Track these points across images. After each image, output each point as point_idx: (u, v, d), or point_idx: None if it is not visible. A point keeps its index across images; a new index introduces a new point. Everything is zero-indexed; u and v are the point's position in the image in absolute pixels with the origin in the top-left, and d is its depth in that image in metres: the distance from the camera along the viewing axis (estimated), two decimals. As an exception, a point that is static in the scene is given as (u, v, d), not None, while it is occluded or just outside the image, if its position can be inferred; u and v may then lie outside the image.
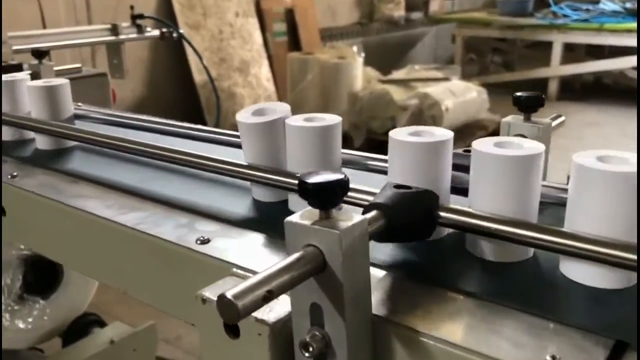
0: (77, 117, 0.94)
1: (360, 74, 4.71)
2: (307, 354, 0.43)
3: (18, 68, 1.28)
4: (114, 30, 1.85)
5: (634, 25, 5.56)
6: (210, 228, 0.61)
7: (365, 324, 0.44)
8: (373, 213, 0.46)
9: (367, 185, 0.58)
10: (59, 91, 0.87)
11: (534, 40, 6.57)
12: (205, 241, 0.56)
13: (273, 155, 0.66)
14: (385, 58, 6.52)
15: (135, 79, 4.54)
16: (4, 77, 0.89)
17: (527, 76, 6.28)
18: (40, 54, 1.14)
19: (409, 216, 0.47)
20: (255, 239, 0.59)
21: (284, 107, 0.69)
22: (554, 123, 0.65)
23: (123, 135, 0.78)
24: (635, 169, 0.45)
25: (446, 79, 4.73)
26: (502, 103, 5.28)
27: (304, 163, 0.62)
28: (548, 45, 6.08)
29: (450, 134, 0.55)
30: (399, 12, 6.85)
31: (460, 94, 4.50)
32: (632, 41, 5.56)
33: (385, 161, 0.61)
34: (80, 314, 1.71)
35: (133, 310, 2.00)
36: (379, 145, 4.53)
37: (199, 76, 4.92)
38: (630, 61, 5.79)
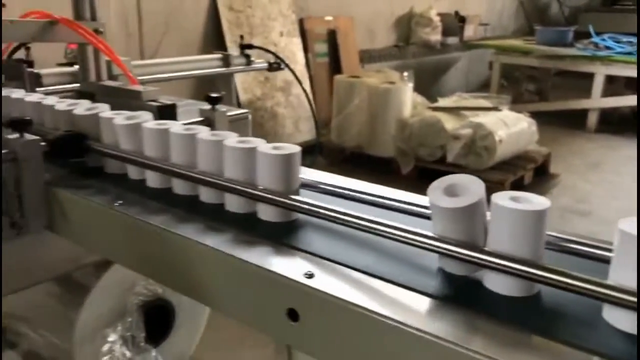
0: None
1: (409, 100, 4.64)
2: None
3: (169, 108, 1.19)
4: (226, 60, 1.77)
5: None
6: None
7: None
8: None
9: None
10: (292, 160, 0.75)
11: (566, 70, 6.50)
12: None
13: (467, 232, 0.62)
14: (420, 81, 6.47)
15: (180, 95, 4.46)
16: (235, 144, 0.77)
17: (566, 106, 6.21)
18: (214, 99, 1.05)
19: None
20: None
21: (476, 183, 0.63)
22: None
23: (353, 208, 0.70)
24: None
25: (496, 109, 4.65)
26: (543, 134, 5.22)
27: (511, 245, 0.59)
28: (582, 74, 6.02)
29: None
30: (436, 37, 6.81)
31: (512, 125, 4.42)
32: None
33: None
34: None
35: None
36: (428, 173, 4.44)
37: (244, 95, 4.85)
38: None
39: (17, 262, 1.02)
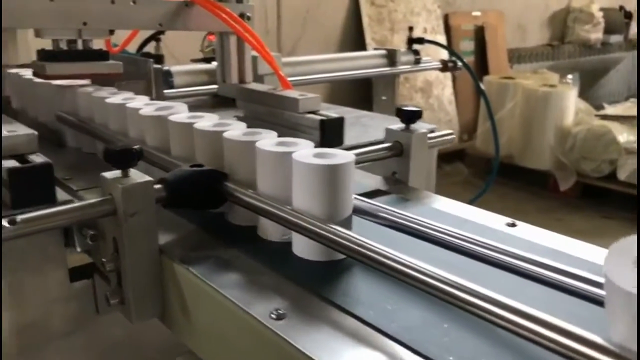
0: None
1: (572, 107, 4.03)
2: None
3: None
4: (391, 58, 1.40)
5: None
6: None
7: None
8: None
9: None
10: (340, 174, 0.53)
11: None
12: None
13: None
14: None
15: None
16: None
17: None
18: (409, 115, 0.68)
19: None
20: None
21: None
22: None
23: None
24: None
25: (680, 119, 3.90)
26: None
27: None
28: None
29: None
30: (597, 35, 6.04)
31: (703, 140, 3.68)
32: None
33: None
34: None
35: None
36: (592, 191, 3.82)
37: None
38: None
39: (112, 342, 0.72)
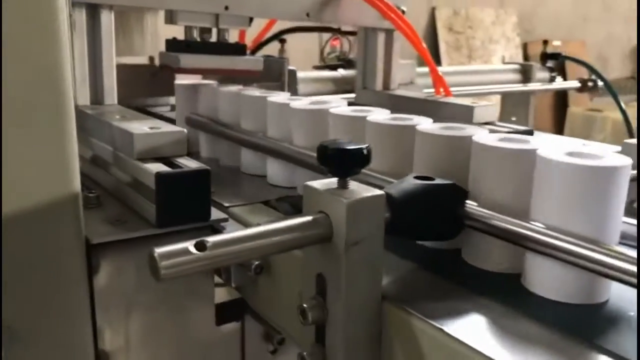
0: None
1: (667, 142, 3.74)
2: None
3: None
4: (524, 73, 1.24)
5: None
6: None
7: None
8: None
9: None
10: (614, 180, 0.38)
11: None
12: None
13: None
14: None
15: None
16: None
17: None
18: None
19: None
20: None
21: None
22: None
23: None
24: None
25: None
26: None
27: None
28: None
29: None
30: (682, 68, 5.69)
31: None
32: None
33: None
34: None
35: None
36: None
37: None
38: None
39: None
